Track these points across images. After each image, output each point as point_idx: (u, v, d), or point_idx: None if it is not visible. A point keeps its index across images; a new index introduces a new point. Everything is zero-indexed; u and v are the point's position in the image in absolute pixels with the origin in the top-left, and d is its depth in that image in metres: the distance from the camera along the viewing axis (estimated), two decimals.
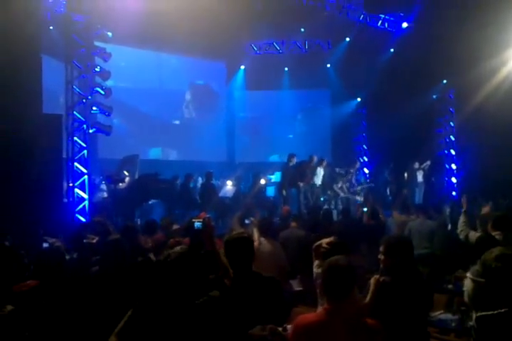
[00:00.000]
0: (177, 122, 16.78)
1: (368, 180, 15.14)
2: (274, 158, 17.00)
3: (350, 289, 2.71)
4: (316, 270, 4.02)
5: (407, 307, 3.34)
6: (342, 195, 13.10)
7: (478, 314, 2.45)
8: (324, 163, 12.86)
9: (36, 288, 3.51)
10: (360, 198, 13.35)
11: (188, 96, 16.89)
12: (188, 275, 2.75)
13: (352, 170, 13.92)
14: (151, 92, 15.28)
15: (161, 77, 15.54)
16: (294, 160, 12.12)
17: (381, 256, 3.70)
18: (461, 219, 5.71)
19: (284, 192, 12.09)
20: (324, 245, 3.87)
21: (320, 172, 12.70)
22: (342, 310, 2.65)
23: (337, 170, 13.79)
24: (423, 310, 3.50)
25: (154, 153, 15.77)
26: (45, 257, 3.90)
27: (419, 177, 13.89)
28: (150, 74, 15.13)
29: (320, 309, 2.72)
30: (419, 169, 14.00)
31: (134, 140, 14.54)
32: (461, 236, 5.58)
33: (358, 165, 14.65)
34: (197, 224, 3.47)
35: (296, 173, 11.97)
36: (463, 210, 5.84)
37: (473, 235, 5.30)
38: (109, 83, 10.59)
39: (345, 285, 2.68)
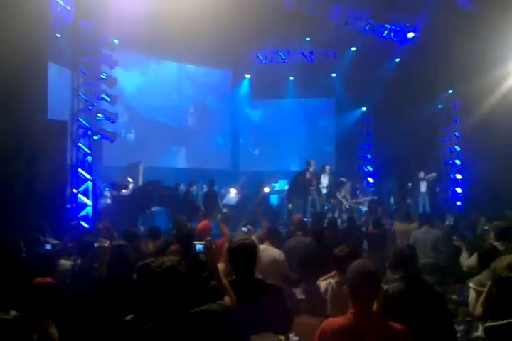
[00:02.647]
0: (182, 131, 16.79)
1: (372, 192, 15.03)
2: (294, 166, 16.93)
3: (377, 292, 2.74)
4: (332, 280, 4.11)
5: (413, 317, 3.29)
6: (345, 203, 13.02)
7: (487, 324, 2.40)
8: (327, 169, 12.82)
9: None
10: (364, 208, 13.28)
11: (191, 109, 16.93)
12: (177, 285, 2.67)
13: (352, 181, 13.94)
14: (156, 101, 15.31)
15: (166, 85, 15.56)
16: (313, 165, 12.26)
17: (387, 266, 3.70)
18: (462, 258, 5.63)
19: (290, 205, 12.13)
20: (339, 253, 4.01)
21: (324, 178, 12.67)
22: (370, 314, 2.68)
23: (341, 179, 13.72)
24: (432, 320, 3.45)
25: (160, 161, 15.76)
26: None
27: (423, 187, 13.81)
28: (156, 83, 15.16)
29: (347, 314, 2.71)
30: (423, 179, 13.92)
31: (139, 148, 14.55)
32: (464, 268, 5.51)
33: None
34: (198, 246, 3.33)
35: (302, 181, 12.05)
36: (463, 250, 5.76)
37: (471, 259, 5.23)
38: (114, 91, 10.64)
39: (372, 288, 2.70)
